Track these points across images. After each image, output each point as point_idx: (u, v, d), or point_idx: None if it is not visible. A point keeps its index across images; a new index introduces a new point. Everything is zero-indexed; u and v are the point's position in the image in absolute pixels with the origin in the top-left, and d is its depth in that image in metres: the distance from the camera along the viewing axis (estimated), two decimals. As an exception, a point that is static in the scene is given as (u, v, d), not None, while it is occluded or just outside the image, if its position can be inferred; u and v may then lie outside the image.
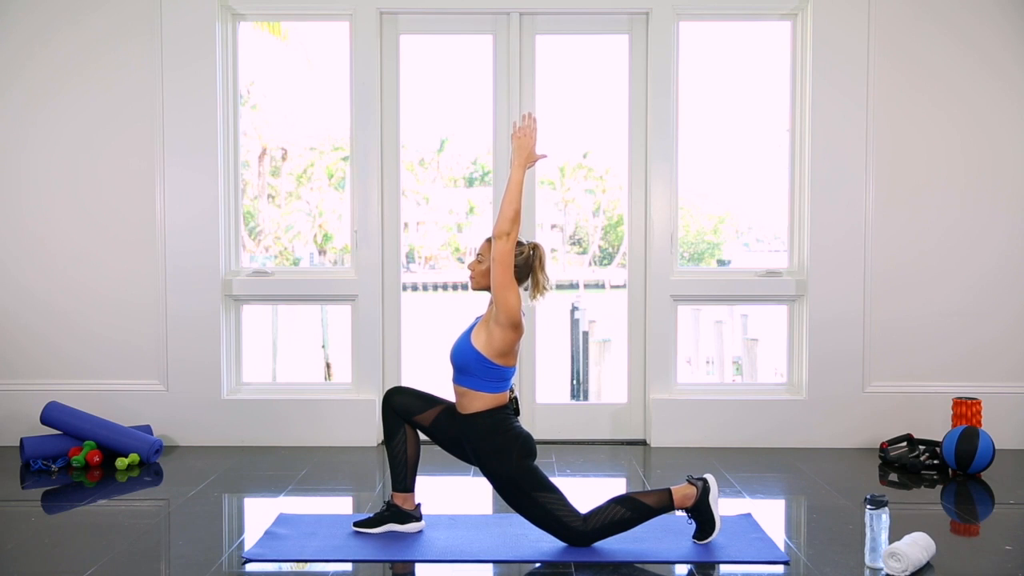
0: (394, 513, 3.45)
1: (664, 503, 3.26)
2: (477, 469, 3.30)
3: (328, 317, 8.20)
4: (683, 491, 3.28)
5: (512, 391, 3.40)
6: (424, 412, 3.43)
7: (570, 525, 3.23)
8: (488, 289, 3.31)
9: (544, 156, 3.39)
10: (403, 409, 3.43)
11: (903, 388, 4.98)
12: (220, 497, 4.03)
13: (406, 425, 3.44)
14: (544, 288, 3.36)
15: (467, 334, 3.35)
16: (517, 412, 3.38)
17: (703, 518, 3.29)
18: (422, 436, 3.50)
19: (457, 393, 3.38)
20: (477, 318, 3.41)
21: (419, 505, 3.50)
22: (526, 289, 3.37)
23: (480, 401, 3.31)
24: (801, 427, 4.98)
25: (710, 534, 3.29)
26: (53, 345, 5.02)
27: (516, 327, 3.25)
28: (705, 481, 3.29)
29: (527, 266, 3.33)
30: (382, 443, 5.08)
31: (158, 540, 3.44)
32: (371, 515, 3.50)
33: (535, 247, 3.37)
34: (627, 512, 3.24)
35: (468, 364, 3.30)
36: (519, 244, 3.32)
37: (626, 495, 3.31)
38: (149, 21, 4.93)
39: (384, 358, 5.14)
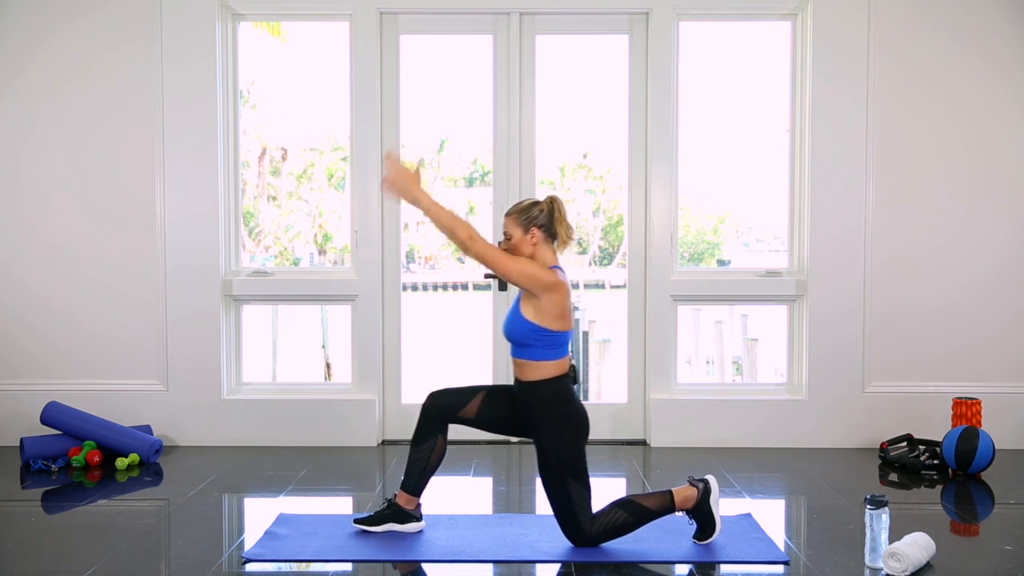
0: (395, 512, 3.44)
1: (665, 505, 3.26)
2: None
3: (328, 317, 8.19)
4: (684, 492, 3.28)
5: (570, 358, 3.39)
6: (467, 405, 3.41)
7: (581, 525, 3.23)
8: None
9: (421, 167, 3.37)
10: (448, 409, 3.40)
11: (903, 388, 4.98)
12: (220, 497, 4.03)
13: (440, 436, 3.41)
14: (567, 239, 3.34)
15: (516, 308, 3.31)
16: (576, 380, 3.37)
17: (704, 519, 3.28)
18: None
19: (516, 365, 3.35)
20: (521, 291, 3.35)
21: (419, 505, 3.49)
22: (558, 247, 3.34)
23: (543, 370, 3.28)
24: (801, 427, 4.98)
25: (711, 535, 3.29)
26: (53, 345, 5.02)
27: (551, 288, 3.21)
28: (706, 482, 3.29)
29: (551, 222, 3.32)
30: (382, 443, 5.08)
31: (158, 540, 3.44)
32: (372, 512, 3.50)
33: (552, 200, 3.34)
34: (629, 516, 3.24)
35: (524, 336, 3.27)
36: (537, 203, 3.32)
37: (627, 498, 3.31)
38: (149, 21, 4.93)
39: (384, 358, 5.14)
